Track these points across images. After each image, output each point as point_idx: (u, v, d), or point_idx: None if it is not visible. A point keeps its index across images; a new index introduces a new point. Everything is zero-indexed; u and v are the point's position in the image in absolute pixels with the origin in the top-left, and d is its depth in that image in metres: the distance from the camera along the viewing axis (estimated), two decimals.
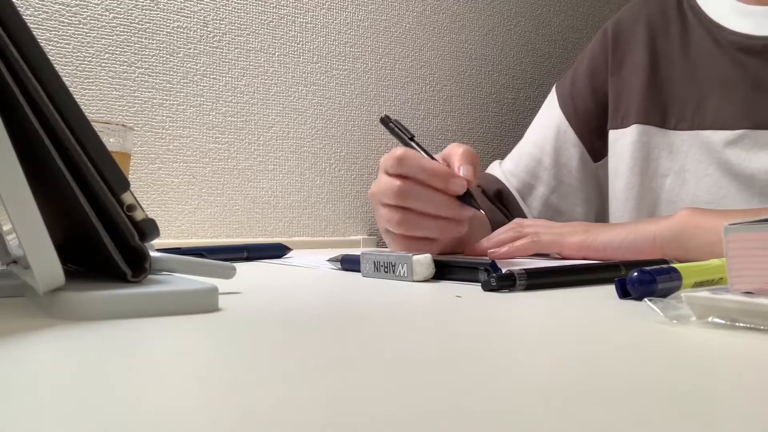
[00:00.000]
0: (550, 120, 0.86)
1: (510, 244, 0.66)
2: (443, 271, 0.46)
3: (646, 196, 0.77)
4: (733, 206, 0.68)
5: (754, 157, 0.69)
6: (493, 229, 0.72)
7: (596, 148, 0.83)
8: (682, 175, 0.74)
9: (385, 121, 0.68)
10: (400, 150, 0.61)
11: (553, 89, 0.88)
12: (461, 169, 0.60)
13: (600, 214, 0.85)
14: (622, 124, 0.79)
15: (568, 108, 0.84)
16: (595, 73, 0.83)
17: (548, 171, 0.84)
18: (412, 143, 0.64)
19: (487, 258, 0.59)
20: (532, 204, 0.85)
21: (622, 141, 0.79)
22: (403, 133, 0.66)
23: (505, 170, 0.87)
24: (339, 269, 0.54)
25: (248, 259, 0.65)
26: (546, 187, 0.84)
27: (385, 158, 0.62)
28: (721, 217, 0.58)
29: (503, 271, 0.41)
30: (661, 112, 0.76)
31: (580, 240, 0.64)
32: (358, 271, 0.52)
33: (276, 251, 0.68)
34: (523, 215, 0.84)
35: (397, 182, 0.60)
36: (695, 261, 0.56)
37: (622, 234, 0.62)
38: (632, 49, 0.80)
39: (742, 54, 0.71)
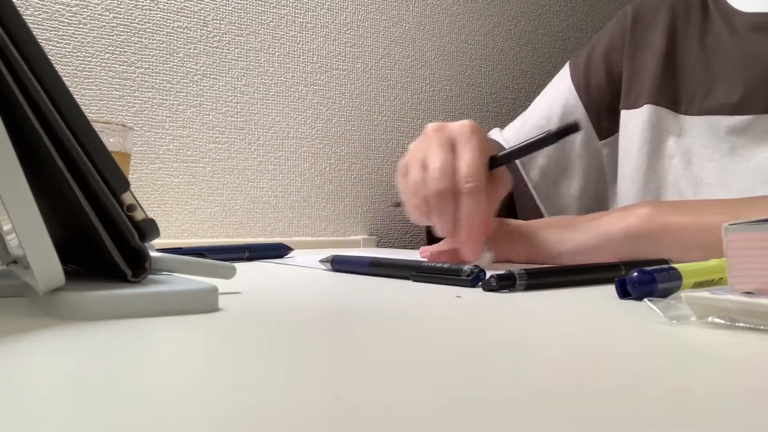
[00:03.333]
0: (559, 93, 0.85)
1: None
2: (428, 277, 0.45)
3: (652, 177, 0.77)
4: (738, 189, 0.68)
5: (762, 141, 0.68)
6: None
7: (604, 126, 0.83)
8: (687, 157, 0.74)
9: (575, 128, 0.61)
10: (474, 154, 0.56)
11: (567, 65, 0.88)
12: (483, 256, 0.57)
13: (600, 193, 0.84)
14: (635, 105, 0.79)
15: (580, 83, 0.84)
16: (611, 52, 0.83)
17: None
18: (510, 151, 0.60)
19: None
20: (530, 174, 0.84)
21: (634, 121, 0.78)
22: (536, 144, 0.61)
23: (507, 138, 0.86)
24: (329, 270, 0.54)
25: (249, 259, 0.65)
26: (546, 159, 0.84)
27: (461, 133, 0.58)
28: (685, 215, 0.56)
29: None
30: (673, 96, 0.76)
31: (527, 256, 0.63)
32: (348, 272, 0.52)
33: (277, 251, 0.68)
34: (523, 184, 0.83)
35: (440, 185, 0.56)
36: (662, 257, 0.55)
37: (576, 241, 0.60)
38: (651, 32, 0.80)
39: (754, 34, 0.71)
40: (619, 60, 0.82)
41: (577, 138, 0.83)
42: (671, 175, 0.75)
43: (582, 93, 0.84)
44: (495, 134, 0.89)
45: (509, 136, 0.87)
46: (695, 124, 0.74)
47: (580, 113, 0.83)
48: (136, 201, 0.31)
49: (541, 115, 0.86)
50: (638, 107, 0.78)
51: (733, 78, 0.71)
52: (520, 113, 1.23)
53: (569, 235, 0.61)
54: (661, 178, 0.76)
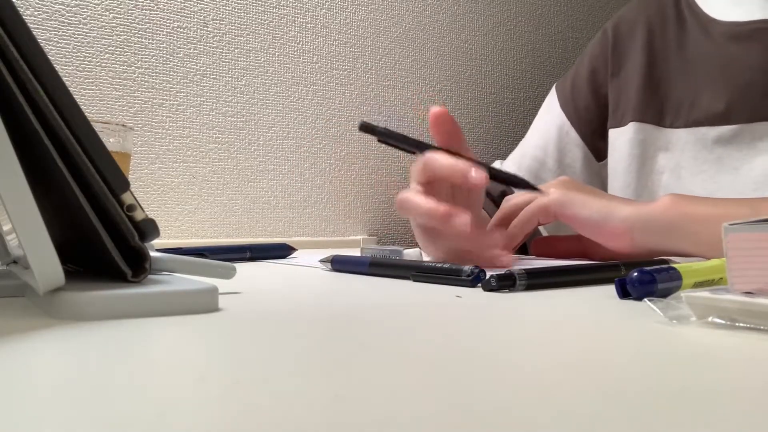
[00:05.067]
0: (551, 121, 0.86)
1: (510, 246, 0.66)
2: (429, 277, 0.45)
3: (643, 194, 0.77)
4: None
5: (749, 150, 0.69)
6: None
7: (599, 147, 0.83)
8: (677, 171, 0.74)
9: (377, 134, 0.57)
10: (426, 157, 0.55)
11: (553, 90, 0.88)
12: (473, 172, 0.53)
13: None
14: (621, 123, 0.79)
15: (569, 109, 0.85)
16: (595, 74, 0.83)
17: (552, 172, 0.84)
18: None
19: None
20: None
21: (621, 140, 0.79)
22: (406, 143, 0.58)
23: (508, 169, 0.87)
24: (329, 270, 0.54)
25: (252, 259, 0.64)
26: None
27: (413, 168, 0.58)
28: (708, 205, 0.57)
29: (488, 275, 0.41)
30: (657, 111, 0.76)
31: (555, 197, 0.63)
32: (348, 272, 0.52)
33: (280, 251, 0.68)
34: None
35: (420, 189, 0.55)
36: (681, 250, 0.56)
37: (594, 208, 0.60)
38: (631, 48, 0.80)
39: (732, 43, 0.71)
40: (604, 80, 0.83)
41: (577, 164, 0.84)
42: (662, 190, 0.75)
43: (573, 118, 0.84)
44: (496, 166, 0.89)
45: (511, 169, 0.87)
46: (682, 137, 0.74)
47: (574, 139, 0.84)
48: (136, 201, 0.31)
49: (537, 145, 0.86)
50: (624, 125, 0.78)
51: (715, 88, 0.72)
52: (519, 113, 1.24)
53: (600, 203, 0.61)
54: (651, 194, 0.76)
